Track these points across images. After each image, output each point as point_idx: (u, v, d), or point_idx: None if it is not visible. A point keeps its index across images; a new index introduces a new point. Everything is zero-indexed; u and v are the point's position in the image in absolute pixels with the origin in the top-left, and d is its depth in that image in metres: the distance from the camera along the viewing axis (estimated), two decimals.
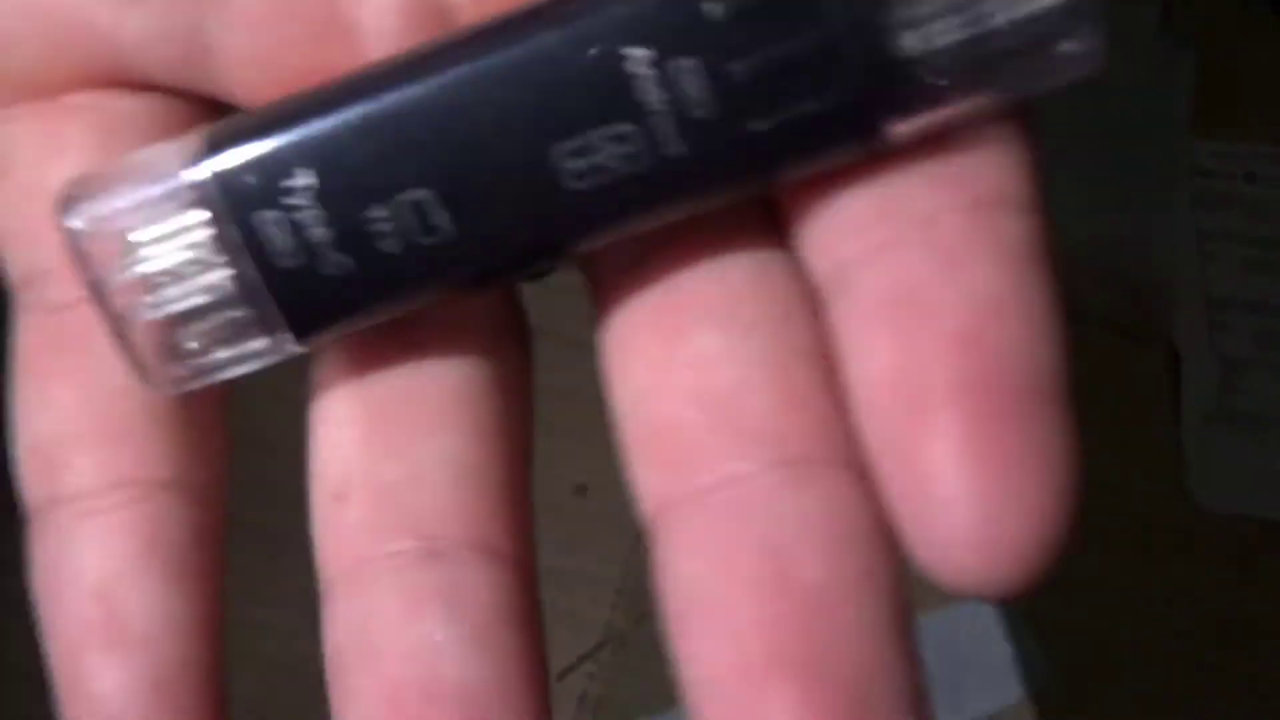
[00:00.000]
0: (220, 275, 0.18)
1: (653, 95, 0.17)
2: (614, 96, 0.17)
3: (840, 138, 0.17)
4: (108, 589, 0.18)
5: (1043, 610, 0.51)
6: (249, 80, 0.19)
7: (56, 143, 0.20)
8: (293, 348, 0.19)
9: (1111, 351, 0.55)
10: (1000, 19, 0.17)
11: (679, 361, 0.18)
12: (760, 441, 0.17)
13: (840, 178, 0.18)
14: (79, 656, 0.18)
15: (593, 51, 0.17)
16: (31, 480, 0.19)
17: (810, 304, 0.18)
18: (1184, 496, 0.53)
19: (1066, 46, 0.17)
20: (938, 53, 0.17)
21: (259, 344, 0.19)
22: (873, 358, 0.16)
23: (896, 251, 0.17)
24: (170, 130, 0.20)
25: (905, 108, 0.17)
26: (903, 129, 0.17)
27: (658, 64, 0.17)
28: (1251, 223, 0.60)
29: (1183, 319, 0.58)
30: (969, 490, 0.15)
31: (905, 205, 0.17)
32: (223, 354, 0.19)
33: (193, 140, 0.19)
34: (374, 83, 0.18)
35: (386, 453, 0.19)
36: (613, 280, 0.19)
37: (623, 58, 0.17)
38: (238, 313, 0.19)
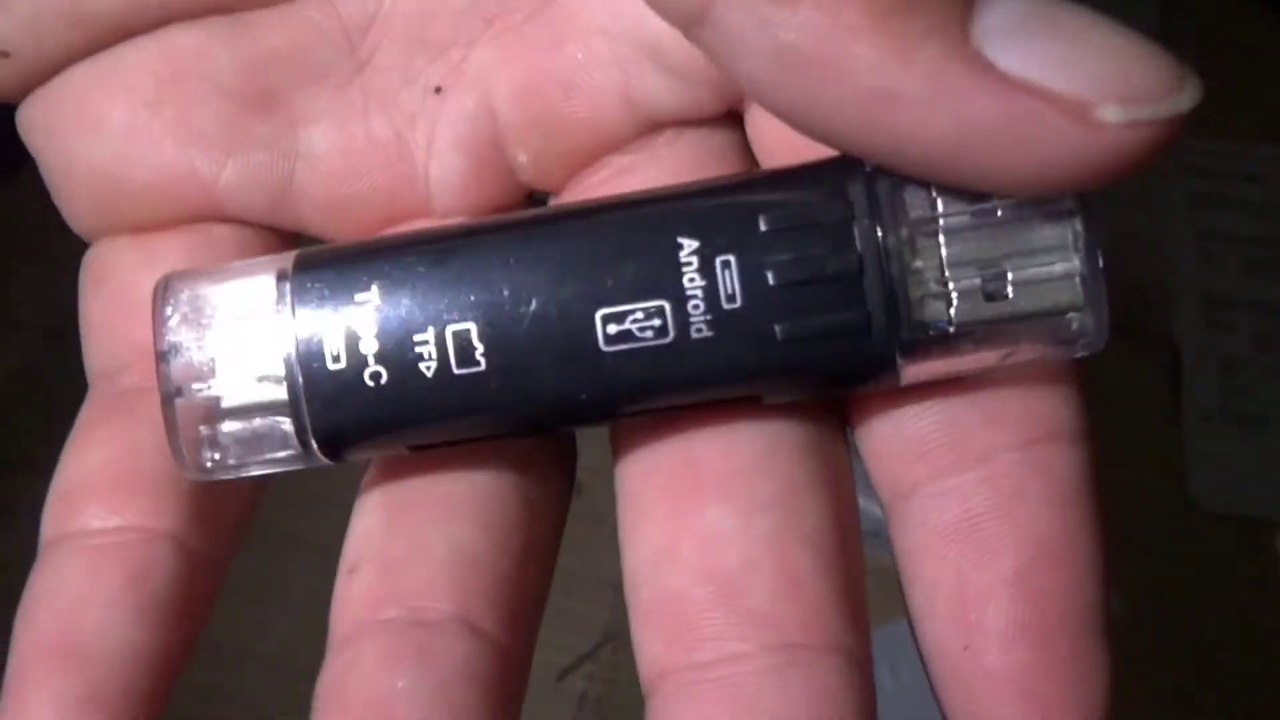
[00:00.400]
0: (274, 376, 0.19)
1: (694, 281, 0.19)
2: (659, 275, 0.19)
3: (854, 365, 0.19)
4: (74, 610, 0.19)
5: None
6: (326, 224, 0.23)
7: (150, 257, 0.22)
8: (320, 458, 0.20)
9: (1111, 351, 0.55)
10: (1015, 276, 0.19)
11: (691, 535, 0.19)
12: (760, 624, 0.18)
13: (903, 392, 0.19)
14: (28, 667, 0.19)
15: (652, 233, 0.19)
16: (49, 520, 0.20)
17: (823, 481, 0.20)
18: (1184, 496, 0.54)
19: (1074, 319, 0.19)
20: (959, 299, 0.19)
21: (289, 453, 0.20)
22: (936, 591, 0.18)
23: (957, 485, 0.18)
24: (254, 254, 0.22)
25: (916, 349, 0.19)
26: (915, 371, 0.19)
27: (704, 254, 0.19)
28: (1251, 223, 0.60)
29: (1183, 319, 0.58)
30: None
31: (965, 437, 0.19)
32: (255, 455, 0.20)
33: (285, 256, 0.20)
34: (446, 231, 0.20)
35: (398, 534, 0.20)
36: (631, 432, 0.20)
37: (678, 245, 0.19)
38: (279, 420, 0.20)
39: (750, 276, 0.19)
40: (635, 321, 0.19)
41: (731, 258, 0.19)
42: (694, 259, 0.19)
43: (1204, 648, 0.50)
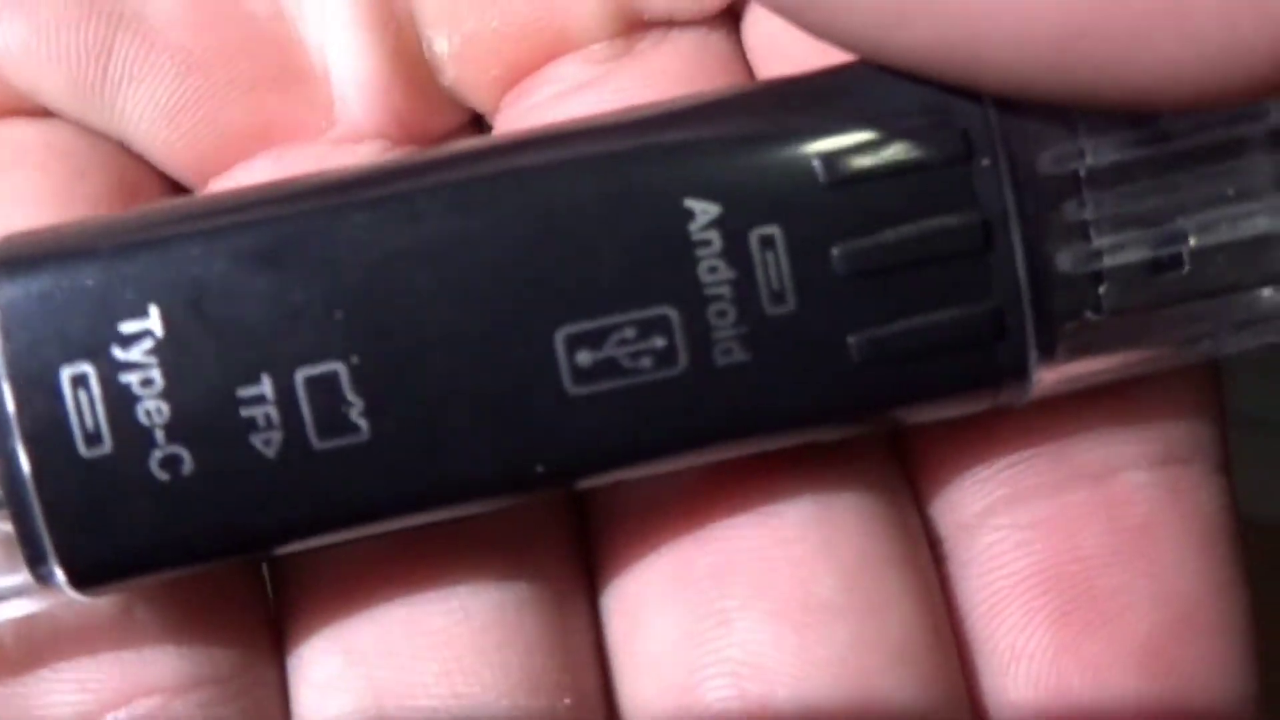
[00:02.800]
0: None
1: (715, 272, 0.11)
2: (660, 266, 0.11)
3: (969, 382, 0.12)
4: None
5: None
6: (161, 139, 0.14)
7: None
8: (65, 592, 0.12)
9: None
10: (1197, 239, 0.12)
11: (723, 665, 0.13)
12: None
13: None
14: None
15: (642, 195, 0.11)
16: None
17: (903, 560, 0.13)
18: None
19: (1271, 294, 0.12)
20: (1115, 276, 0.12)
21: (12, 580, 0.12)
22: (1017, 663, 0.13)
23: (1056, 512, 0.13)
24: (91, 176, 0.15)
25: (1057, 350, 0.12)
26: (1051, 379, 0.12)
27: (731, 227, 0.11)
28: None
29: None
30: None
31: (1069, 448, 0.14)
32: None
33: None
34: (277, 196, 0.12)
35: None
36: (611, 503, 0.14)
37: (686, 213, 0.11)
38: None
39: (808, 261, 0.11)
40: (622, 344, 0.11)
41: (776, 230, 0.11)
42: (714, 235, 0.11)
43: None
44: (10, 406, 0.11)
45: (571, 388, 0.11)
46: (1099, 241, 0.12)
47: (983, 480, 0.14)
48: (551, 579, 0.14)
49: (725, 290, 0.11)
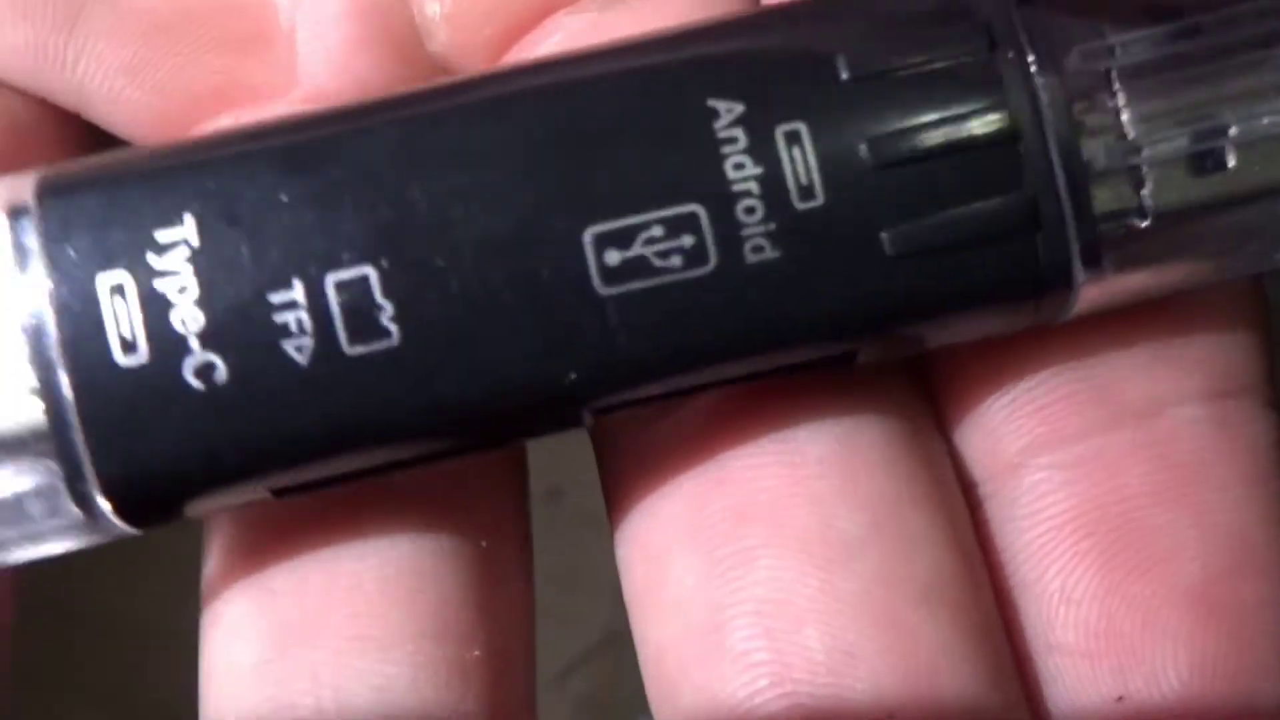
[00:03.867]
0: (18, 386, 0.11)
1: (741, 169, 0.11)
2: (686, 164, 0.11)
3: (1007, 289, 0.12)
4: None
5: None
6: (123, 102, 0.14)
7: None
8: (118, 526, 0.12)
9: None
10: (1236, 135, 0.12)
11: (744, 607, 0.13)
12: None
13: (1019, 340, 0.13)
14: None
15: (666, 96, 0.11)
16: None
17: (932, 496, 0.13)
18: None
19: None
20: (1157, 175, 0.12)
21: (58, 521, 0.12)
22: (1064, 608, 0.13)
23: (1099, 451, 0.13)
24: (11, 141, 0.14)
25: (1100, 256, 0.12)
26: (1095, 292, 0.12)
27: (756, 123, 0.11)
28: None
29: None
30: None
31: (1115, 382, 0.13)
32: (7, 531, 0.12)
33: (20, 182, 0.12)
34: (314, 116, 0.12)
35: (296, 678, 0.13)
36: (630, 432, 0.13)
37: (709, 111, 0.11)
38: (34, 463, 0.11)
39: (835, 155, 0.11)
40: (651, 242, 0.11)
41: (801, 126, 0.11)
42: (739, 132, 0.11)
43: None
44: (50, 314, 0.11)
45: (601, 288, 0.11)
46: (1136, 138, 0.12)
47: (1022, 418, 0.13)
48: (476, 536, 0.13)
49: (753, 186, 0.11)
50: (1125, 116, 0.12)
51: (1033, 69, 0.12)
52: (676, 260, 0.11)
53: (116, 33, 0.14)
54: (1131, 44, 0.12)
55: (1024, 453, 0.13)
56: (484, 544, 0.13)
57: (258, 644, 0.13)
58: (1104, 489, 0.13)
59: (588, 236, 0.11)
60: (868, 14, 0.12)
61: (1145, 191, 0.12)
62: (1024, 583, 0.13)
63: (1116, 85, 0.12)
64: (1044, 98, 0.12)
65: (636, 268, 0.11)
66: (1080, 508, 0.13)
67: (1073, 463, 0.13)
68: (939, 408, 0.14)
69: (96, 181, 0.11)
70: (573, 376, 0.11)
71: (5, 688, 0.13)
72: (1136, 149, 0.12)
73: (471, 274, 0.11)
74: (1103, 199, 0.12)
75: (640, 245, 0.11)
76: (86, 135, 0.15)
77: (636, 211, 0.11)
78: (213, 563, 0.14)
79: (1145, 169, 0.12)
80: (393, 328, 0.11)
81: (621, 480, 0.13)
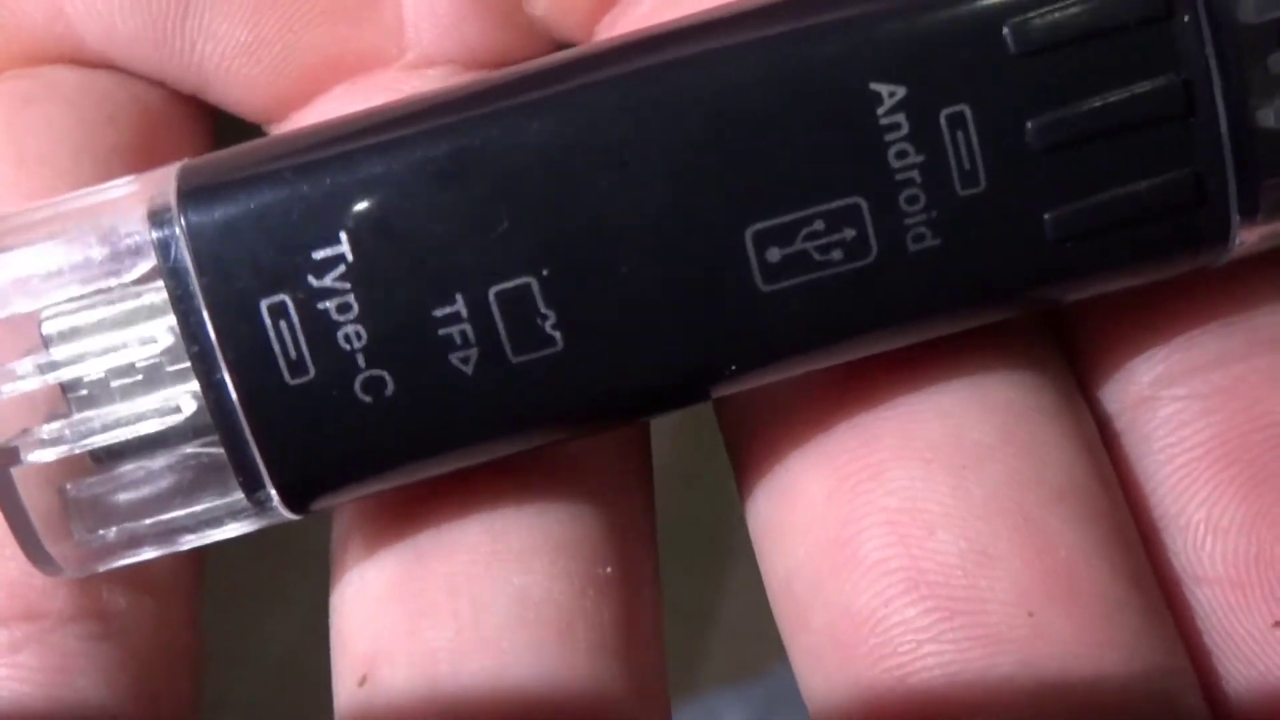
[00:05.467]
0: (181, 392, 0.11)
1: (905, 156, 0.11)
2: (847, 154, 0.11)
3: (1170, 244, 0.12)
4: None
5: None
6: (240, 77, 0.14)
7: None
8: (279, 513, 0.12)
9: None
10: None
11: (879, 515, 0.12)
12: (1008, 651, 0.12)
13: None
14: None
15: (824, 81, 0.11)
16: None
17: (1070, 420, 0.13)
18: None
19: None
20: None
21: (226, 502, 0.12)
22: (1213, 538, 0.12)
23: (1243, 376, 0.12)
24: (118, 122, 0.14)
25: (1259, 208, 0.11)
26: (1251, 238, 0.12)
27: (918, 107, 0.11)
28: None
29: None
30: None
31: (1250, 323, 0.13)
32: (171, 514, 0.12)
33: (159, 180, 0.12)
34: (450, 110, 0.11)
35: (428, 607, 0.13)
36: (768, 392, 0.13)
37: (872, 97, 0.11)
38: (198, 453, 0.12)
39: (1000, 137, 0.11)
40: (813, 237, 0.11)
41: (966, 108, 0.11)
42: (901, 118, 0.11)
43: None
44: (214, 338, 0.11)
45: (762, 285, 0.11)
46: None
47: (1156, 348, 0.13)
48: (605, 481, 0.13)
49: (915, 174, 0.11)
50: None
51: (1207, 32, 0.11)
52: (838, 254, 0.11)
53: (229, 12, 0.14)
54: None
55: (1157, 384, 0.13)
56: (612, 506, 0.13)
57: (392, 563, 0.13)
58: (1245, 416, 0.12)
59: (749, 234, 0.11)
60: None
61: None
62: (1166, 516, 0.13)
63: None
64: (1217, 64, 0.11)
65: (797, 263, 0.11)
66: (1221, 436, 0.12)
67: (1210, 391, 0.13)
68: (1068, 343, 0.13)
69: (245, 191, 0.11)
70: (732, 369, 0.11)
71: (201, 666, 0.14)
72: None
73: (632, 276, 0.11)
74: (1266, 157, 0.11)
75: (801, 240, 0.11)
76: (207, 116, 0.15)
77: (798, 207, 0.11)
78: (349, 539, 0.14)
79: None
80: (556, 334, 0.11)
81: (744, 420, 0.13)
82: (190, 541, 0.12)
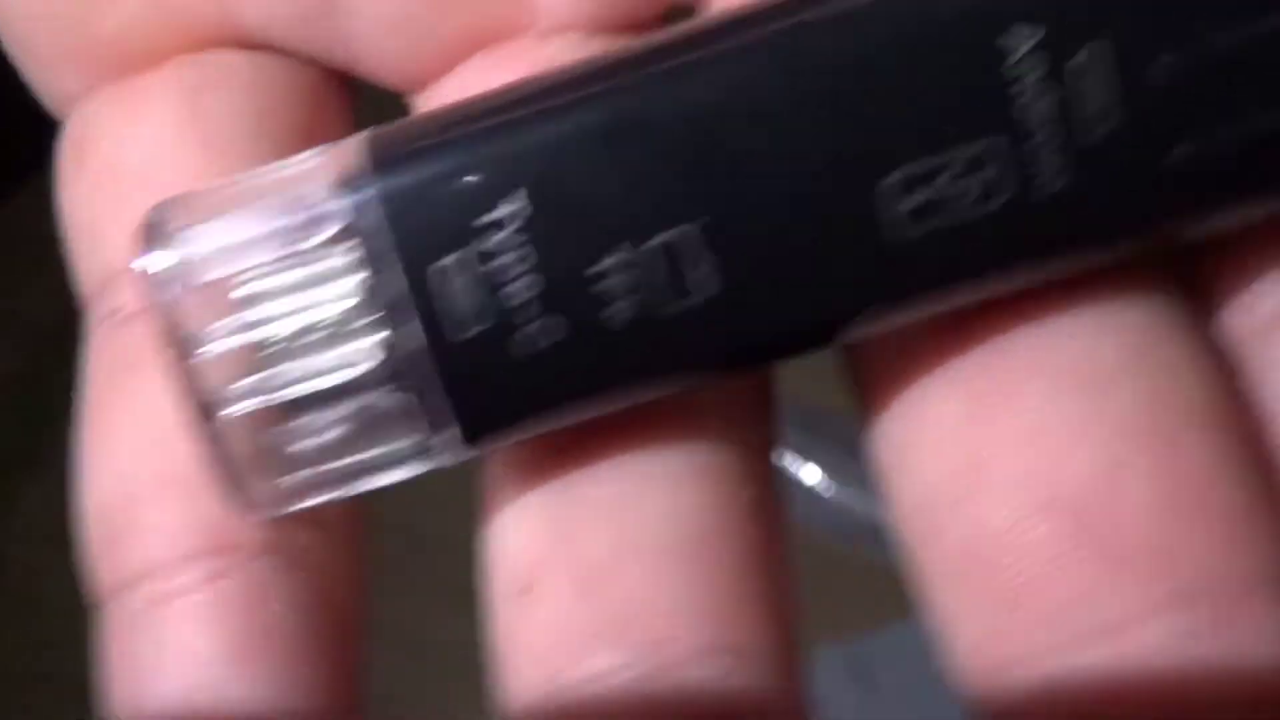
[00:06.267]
0: (368, 344, 0.13)
1: (1034, 101, 0.12)
2: (975, 100, 0.12)
3: None
4: (198, 704, 0.13)
5: None
6: (387, 48, 0.15)
7: (135, 116, 0.15)
8: (459, 452, 0.13)
9: None
10: None
11: (1010, 438, 0.12)
12: (1150, 578, 0.12)
13: None
14: None
15: (960, 22, 0.12)
16: (96, 556, 0.14)
17: (1196, 353, 0.13)
18: None
19: None
20: None
21: (409, 444, 0.13)
22: None
23: None
24: (286, 102, 0.16)
25: None
26: None
27: (1054, 49, 0.11)
28: None
29: None
30: None
31: None
32: (357, 457, 0.13)
33: (347, 151, 0.13)
34: (612, 74, 0.12)
35: (586, 528, 0.13)
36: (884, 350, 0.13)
37: (1010, 40, 0.11)
38: (386, 399, 0.13)
39: (1135, 73, 0.12)
40: (949, 181, 0.12)
41: (1104, 45, 0.12)
42: (1038, 59, 0.12)
43: None
44: (408, 291, 0.12)
45: (905, 229, 0.12)
46: None
47: (1276, 280, 0.13)
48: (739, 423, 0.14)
49: (1053, 113, 0.12)
50: None
51: None
52: (976, 195, 0.12)
53: (376, 24, 0.15)
54: None
55: (1275, 316, 0.13)
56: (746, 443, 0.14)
57: (546, 494, 0.14)
58: None
59: (891, 180, 0.12)
60: None
61: None
62: None
63: None
64: None
65: (936, 206, 0.12)
66: None
67: None
68: (1190, 269, 0.13)
69: (429, 153, 0.12)
70: (871, 308, 0.12)
71: (364, 624, 0.15)
72: None
73: (784, 224, 0.12)
74: None
75: (941, 184, 0.12)
76: (350, 94, 0.16)
77: (938, 150, 0.12)
78: (505, 475, 0.14)
79: None
80: (714, 280, 0.12)
81: (870, 352, 0.14)
82: (371, 483, 0.13)
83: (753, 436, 0.14)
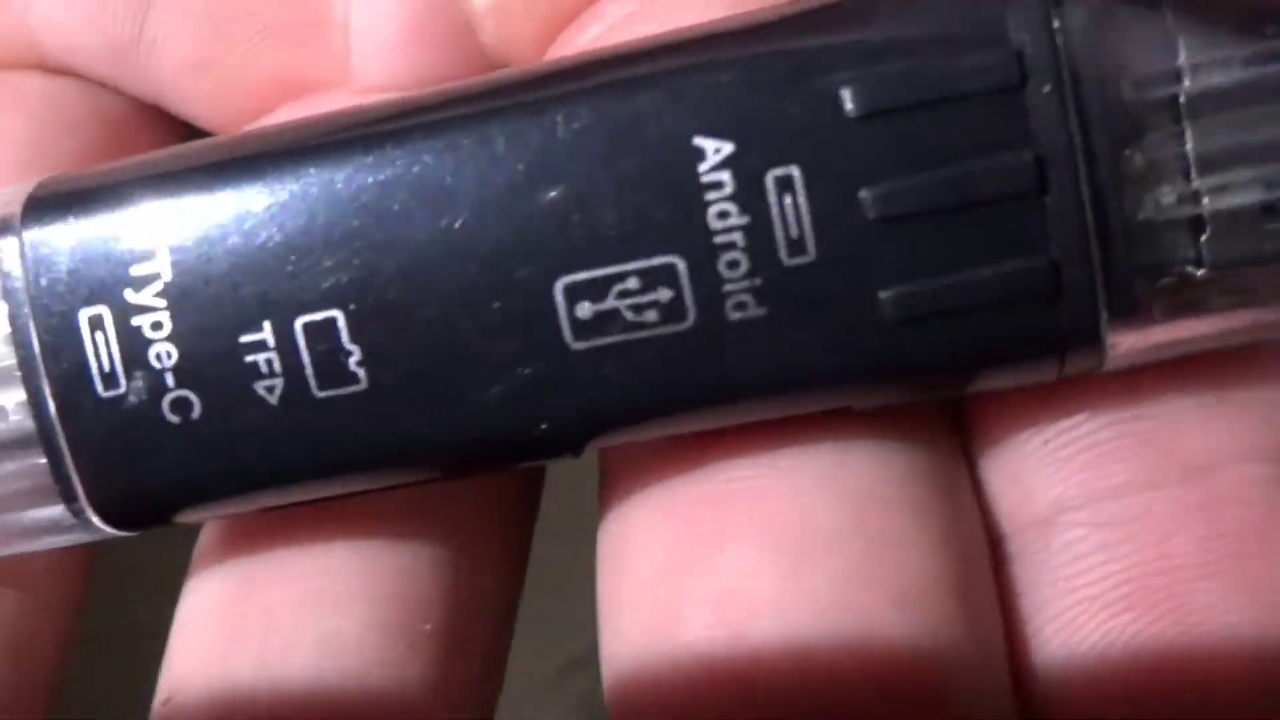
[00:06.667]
0: (6, 400, 0.11)
1: (726, 218, 0.10)
2: (665, 211, 0.10)
3: (1027, 341, 0.11)
4: None
5: None
6: (194, 93, 0.15)
7: None
8: (101, 527, 0.12)
9: None
10: None
11: (705, 591, 0.11)
12: None
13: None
14: None
15: (647, 132, 0.10)
16: None
17: (937, 508, 0.12)
18: None
19: None
20: (1220, 223, 0.10)
21: (49, 514, 0.12)
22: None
23: (1150, 514, 0.11)
24: (81, 129, 0.15)
25: (1136, 312, 0.10)
26: (1129, 346, 0.11)
27: (744, 166, 0.10)
28: None
29: None
30: None
31: (1165, 440, 0.11)
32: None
33: (13, 194, 0.12)
34: (274, 141, 0.11)
35: (250, 621, 0.13)
36: (615, 467, 0.13)
37: (694, 152, 0.10)
38: (26, 464, 0.12)
39: (832, 205, 0.10)
40: (626, 295, 0.11)
41: (796, 171, 0.10)
42: (725, 176, 0.10)
43: None
44: (37, 348, 0.11)
45: (573, 341, 0.11)
46: (1200, 182, 0.10)
47: (1057, 464, 0.12)
48: (456, 528, 0.13)
49: (738, 238, 0.10)
50: (1189, 158, 0.10)
51: (1070, 107, 0.10)
52: (652, 315, 0.10)
53: (179, 30, 0.15)
54: (1203, 69, 0.10)
55: (1057, 505, 0.12)
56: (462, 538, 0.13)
57: (225, 583, 0.13)
58: (1147, 556, 0.11)
59: (559, 287, 0.11)
60: (882, 32, 0.10)
61: (1204, 239, 0.11)
62: (1046, 651, 0.11)
63: (1182, 120, 0.10)
64: (1080, 143, 0.10)
65: (610, 321, 0.11)
66: (1119, 577, 0.11)
67: (1112, 521, 0.11)
68: (964, 439, 0.12)
69: (80, 207, 0.11)
70: (543, 427, 0.11)
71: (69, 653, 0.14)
72: (1198, 196, 0.11)
73: (440, 321, 0.11)
74: (1149, 252, 0.10)
75: (614, 298, 0.11)
76: (176, 125, 0.16)
77: (610, 262, 0.10)
78: (204, 557, 0.14)
79: (1206, 217, 0.11)
80: (360, 372, 0.11)
81: (609, 470, 0.13)
82: (22, 549, 0.12)
83: (474, 556, 0.13)
